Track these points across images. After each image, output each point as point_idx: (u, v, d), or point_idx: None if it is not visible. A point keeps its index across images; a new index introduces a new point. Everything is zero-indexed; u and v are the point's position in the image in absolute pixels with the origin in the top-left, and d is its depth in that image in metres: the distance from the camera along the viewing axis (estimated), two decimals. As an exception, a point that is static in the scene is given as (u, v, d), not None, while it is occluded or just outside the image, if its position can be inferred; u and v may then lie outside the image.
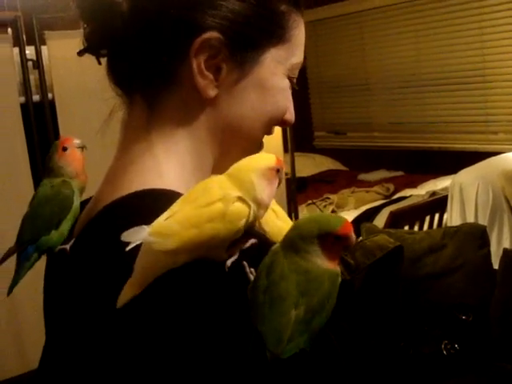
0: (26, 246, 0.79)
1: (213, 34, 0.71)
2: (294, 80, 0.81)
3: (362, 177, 4.86)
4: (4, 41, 2.06)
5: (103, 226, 0.70)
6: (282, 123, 0.83)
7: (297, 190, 4.19)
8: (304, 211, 3.89)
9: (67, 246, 0.77)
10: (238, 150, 0.80)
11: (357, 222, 3.46)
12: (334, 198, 4.03)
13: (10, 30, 2.27)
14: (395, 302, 2.47)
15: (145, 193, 0.69)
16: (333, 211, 3.86)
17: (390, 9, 4.84)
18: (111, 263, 0.65)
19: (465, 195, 3.18)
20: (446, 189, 3.53)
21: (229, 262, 0.61)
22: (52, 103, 2.17)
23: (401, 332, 2.38)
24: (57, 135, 2.16)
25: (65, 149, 0.82)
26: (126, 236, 0.56)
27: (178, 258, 0.59)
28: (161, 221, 0.58)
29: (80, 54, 0.78)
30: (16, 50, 2.11)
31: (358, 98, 5.32)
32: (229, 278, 0.62)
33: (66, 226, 0.80)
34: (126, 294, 0.58)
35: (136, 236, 0.56)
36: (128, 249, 0.56)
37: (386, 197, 4.12)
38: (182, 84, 0.74)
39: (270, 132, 0.82)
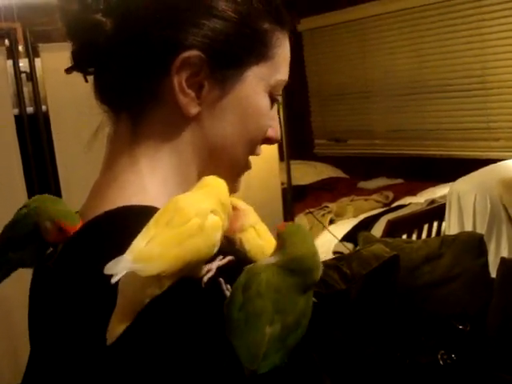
0: None
1: (194, 53, 0.71)
2: (278, 98, 0.82)
3: (362, 184, 4.85)
4: (-2, 53, 2.07)
5: (84, 245, 0.71)
6: (267, 141, 0.84)
7: (296, 199, 4.19)
8: (304, 220, 3.88)
9: (51, 262, 0.77)
10: (223, 168, 0.81)
11: (355, 230, 3.46)
12: (332, 206, 4.01)
13: (7, 41, 2.29)
14: (391, 311, 2.46)
15: (127, 209, 0.70)
16: (331, 220, 3.85)
17: (391, 16, 4.84)
18: (91, 285, 0.65)
19: (463, 203, 3.18)
20: (445, 197, 3.52)
21: (205, 278, 0.62)
22: (46, 115, 2.18)
23: (397, 341, 2.38)
24: (51, 146, 2.17)
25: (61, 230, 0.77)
26: (109, 269, 0.55)
27: (163, 282, 0.59)
28: (141, 246, 0.58)
29: (68, 71, 0.79)
30: (10, 62, 2.12)
31: (359, 106, 5.31)
32: (207, 296, 0.62)
33: None
34: (116, 327, 0.57)
35: (119, 266, 0.55)
36: (114, 281, 0.55)
37: (385, 205, 4.11)
38: (165, 101, 0.74)
39: (254, 151, 0.83)
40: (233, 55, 0.74)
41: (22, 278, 0.84)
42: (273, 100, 0.80)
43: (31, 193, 2.16)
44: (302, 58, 5.70)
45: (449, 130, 4.64)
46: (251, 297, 0.58)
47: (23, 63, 2.14)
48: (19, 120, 2.16)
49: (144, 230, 0.60)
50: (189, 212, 0.61)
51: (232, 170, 0.82)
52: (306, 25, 5.52)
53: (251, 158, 0.84)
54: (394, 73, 4.91)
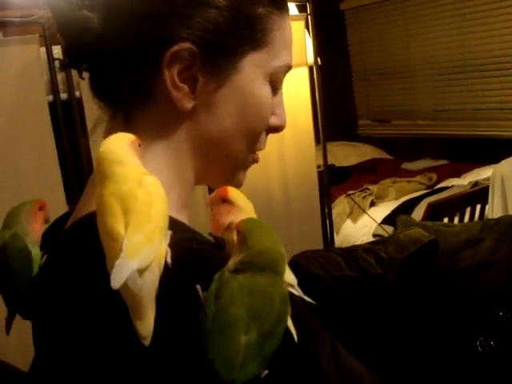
0: None
1: (184, 46, 0.69)
2: (279, 85, 0.79)
3: (406, 166, 4.76)
4: (31, 41, 2.08)
5: (71, 245, 0.71)
6: (273, 130, 0.81)
7: (337, 181, 4.14)
8: (343, 203, 3.84)
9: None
10: (222, 162, 0.79)
11: (396, 213, 3.40)
12: (373, 188, 3.95)
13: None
14: (429, 296, 2.42)
15: None
16: (372, 202, 3.79)
17: (434, -7, 4.71)
18: (77, 289, 0.65)
19: (506, 186, 3.08)
20: (489, 179, 3.42)
21: (168, 260, 0.60)
22: (79, 101, 2.20)
23: (435, 327, 2.34)
24: (85, 133, 2.19)
25: (41, 209, 0.82)
26: (116, 281, 0.53)
27: (159, 259, 0.58)
28: (128, 244, 0.56)
29: (62, 69, 0.78)
30: (43, 49, 2.14)
31: (402, 85, 5.22)
32: (185, 305, 0.61)
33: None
34: (145, 324, 0.56)
35: (123, 272, 0.54)
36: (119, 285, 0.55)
37: (428, 187, 4.02)
38: (159, 97, 0.73)
39: (257, 144, 0.80)
40: (226, 45, 0.71)
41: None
42: (274, 87, 0.77)
43: (66, 179, 2.19)
44: (344, 37, 5.61)
45: (495, 110, 4.50)
46: (224, 305, 0.56)
47: (56, 50, 2.15)
48: (53, 107, 2.18)
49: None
50: (124, 186, 0.59)
51: (232, 164, 0.80)
52: (349, 3, 5.43)
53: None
54: (438, 51, 4.78)
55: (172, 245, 0.61)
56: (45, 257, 0.76)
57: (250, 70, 0.74)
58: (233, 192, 0.71)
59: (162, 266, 0.58)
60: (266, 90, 0.76)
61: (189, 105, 0.72)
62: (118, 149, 0.62)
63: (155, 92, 0.73)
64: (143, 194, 0.59)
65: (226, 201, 0.70)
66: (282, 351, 0.58)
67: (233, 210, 0.69)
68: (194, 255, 0.65)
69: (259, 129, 0.78)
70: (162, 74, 0.71)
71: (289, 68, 0.79)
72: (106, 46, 0.71)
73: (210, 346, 0.56)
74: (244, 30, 0.72)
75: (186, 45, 0.69)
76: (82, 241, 0.68)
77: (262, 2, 0.74)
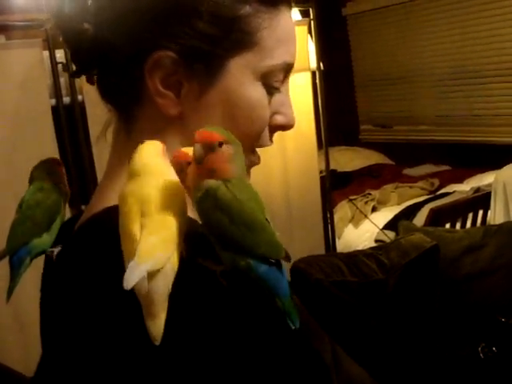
0: (17, 249, 0.80)
1: (164, 53, 0.70)
2: (277, 84, 0.76)
3: (408, 171, 4.76)
4: (34, 44, 2.09)
5: (82, 243, 0.72)
6: (280, 128, 0.80)
7: (339, 186, 4.15)
8: (345, 207, 3.84)
9: (55, 250, 0.78)
10: None
11: (397, 218, 3.40)
12: (375, 193, 3.95)
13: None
14: (431, 302, 2.42)
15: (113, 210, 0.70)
16: (373, 208, 3.79)
17: (437, -1, 4.72)
18: (92, 284, 0.66)
19: (509, 192, 3.08)
20: (491, 184, 3.42)
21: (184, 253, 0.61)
22: (82, 105, 2.20)
23: (437, 333, 2.33)
24: (87, 137, 2.19)
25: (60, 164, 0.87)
26: (128, 282, 0.53)
27: (173, 260, 0.58)
28: (142, 247, 0.57)
29: (72, 76, 0.80)
30: (46, 53, 2.14)
31: (404, 91, 5.21)
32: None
33: (55, 229, 0.82)
34: (156, 325, 0.56)
35: (135, 274, 0.54)
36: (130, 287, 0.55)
37: (430, 192, 4.01)
38: (148, 103, 0.74)
39: (256, 144, 0.79)
40: (207, 50, 0.71)
41: (29, 269, 0.84)
42: (272, 87, 0.75)
43: (68, 183, 2.19)
44: (347, 42, 5.62)
45: (497, 116, 4.50)
46: (241, 208, 0.59)
47: (59, 54, 2.16)
48: (56, 111, 2.19)
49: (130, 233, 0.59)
50: (145, 191, 0.60)
51: None
52: (351, 9, 5.44)
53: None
54: (440, 57, 4.78)
55: (187, 240, 0.62)
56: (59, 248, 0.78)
57: (238, 72, 0.72)
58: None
59: (176, 268, 0.58)
60: (257, 91, 0.74)
61: (174, 111, 0.72)
62: (147, 156, 0.63)
63: (144, 98, 0.74)
64: (162, 198, 0.59)
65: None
66: (285, 344, 0.58)
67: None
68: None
69: (254, 130, 0.76)
70: (146, 82, 0.72)
71: (287, 65, 0.76)
72: (100, 53, 0.73)
73: (251, 246, 0.59)
74: (227, 33, 0.71)
75: (167, 53, 0.70)
76: (97, 235, 0.69)
77: (246, 2, 0.71)
